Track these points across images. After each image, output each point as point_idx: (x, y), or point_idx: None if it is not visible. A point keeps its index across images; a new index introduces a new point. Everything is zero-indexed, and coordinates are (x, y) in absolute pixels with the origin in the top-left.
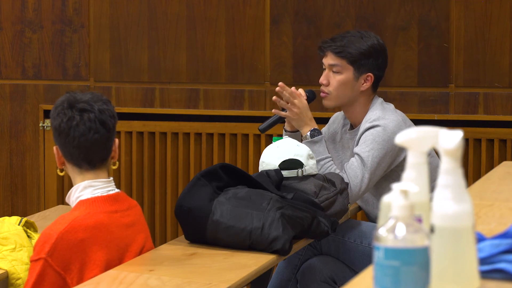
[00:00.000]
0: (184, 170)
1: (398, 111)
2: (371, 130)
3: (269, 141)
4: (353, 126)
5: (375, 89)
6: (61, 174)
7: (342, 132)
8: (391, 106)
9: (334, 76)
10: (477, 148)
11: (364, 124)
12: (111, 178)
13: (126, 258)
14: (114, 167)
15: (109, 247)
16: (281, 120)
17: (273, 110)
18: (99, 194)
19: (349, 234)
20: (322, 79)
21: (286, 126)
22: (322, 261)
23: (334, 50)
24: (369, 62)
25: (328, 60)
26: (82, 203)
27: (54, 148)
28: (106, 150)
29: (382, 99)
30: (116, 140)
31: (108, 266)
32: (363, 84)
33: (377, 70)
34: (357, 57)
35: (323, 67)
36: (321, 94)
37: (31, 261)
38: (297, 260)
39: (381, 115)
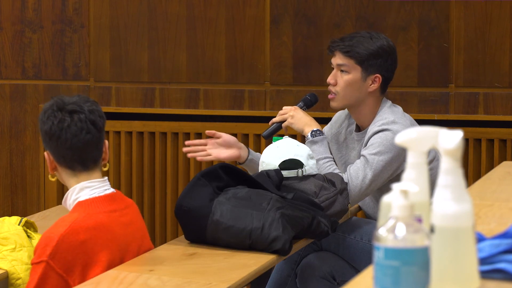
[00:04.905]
0: (184, 170)
1: (407, 114)
2: (380, 134)
3: (269, 141)
4: (360, 128)
5: (383, 91)
6: (53, 179)
7: (347, 132)
8: (400, 109)
9: (342, 76)
10: (477, 148)
11: (373, 128)
12: (106, 178)
13: (127, 257)
14: (105, 169)
15: (110, 247)
16: (281, 127)
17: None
18: (96, 195)
19: (349, 231)
20: (330, 79)
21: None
22: (321, 257)
23: (342, 50)
24: (377, 62)
25: (337, 59)
26: (80, 204)
27: (45, 153)
28: (97, 150)
29: (390, 101)
30: (106, 142)
31: (110, 266)
32: (370, 85)
33: (386, 71)
34: (365, 57)
35: (332, 66)
36: (329, 96)
37: (32, 263)
38: (296, 256)
39: (391, 119)
